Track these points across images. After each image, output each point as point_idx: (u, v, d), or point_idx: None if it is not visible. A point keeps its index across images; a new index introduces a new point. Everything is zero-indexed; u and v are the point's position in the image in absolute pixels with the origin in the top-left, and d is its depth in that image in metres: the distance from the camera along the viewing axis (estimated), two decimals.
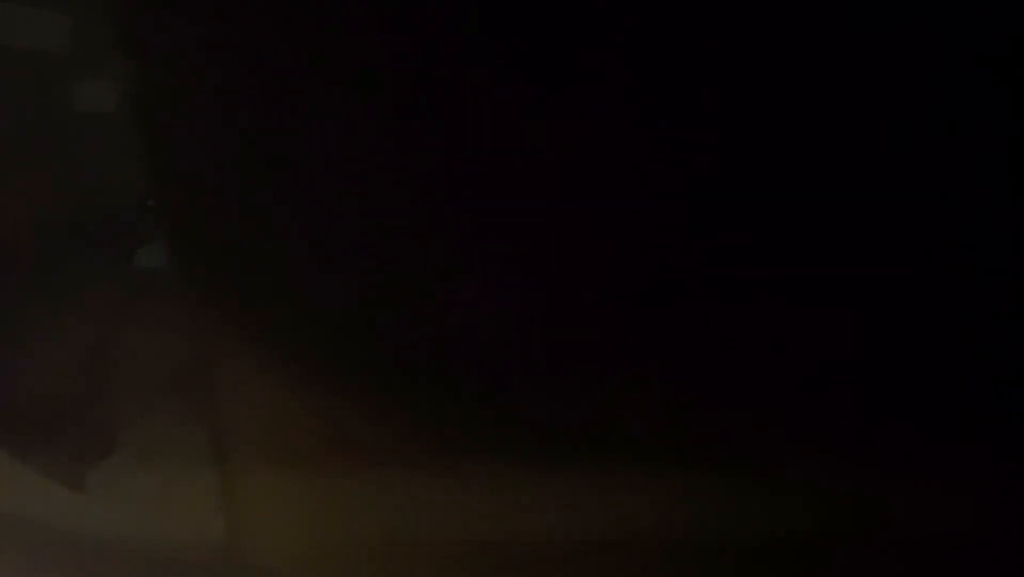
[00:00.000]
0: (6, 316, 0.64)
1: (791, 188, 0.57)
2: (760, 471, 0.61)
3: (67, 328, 0.64)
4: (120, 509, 0.65)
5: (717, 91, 0.56)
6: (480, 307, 0.60)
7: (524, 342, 0.60)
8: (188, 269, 0.62)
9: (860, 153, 0.56)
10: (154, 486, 0.64)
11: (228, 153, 0.59)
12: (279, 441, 0.63)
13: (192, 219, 0.62)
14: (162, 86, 0.59)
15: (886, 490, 0.60)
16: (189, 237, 0.62)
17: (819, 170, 0.57)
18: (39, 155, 0.62)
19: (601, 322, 0.60)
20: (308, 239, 0.60)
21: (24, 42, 0.60)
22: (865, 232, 0.57)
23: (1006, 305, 0.56)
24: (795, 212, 0.57)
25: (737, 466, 0.60)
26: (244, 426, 0.63)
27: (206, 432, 0.64)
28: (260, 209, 0.60)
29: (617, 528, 0.61)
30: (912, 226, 0.56)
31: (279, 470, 0.63)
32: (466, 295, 0.59)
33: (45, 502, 0.65)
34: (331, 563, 0.64)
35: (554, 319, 0.60)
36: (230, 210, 0.60)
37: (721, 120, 0.56)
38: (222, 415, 0.63)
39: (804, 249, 0.58)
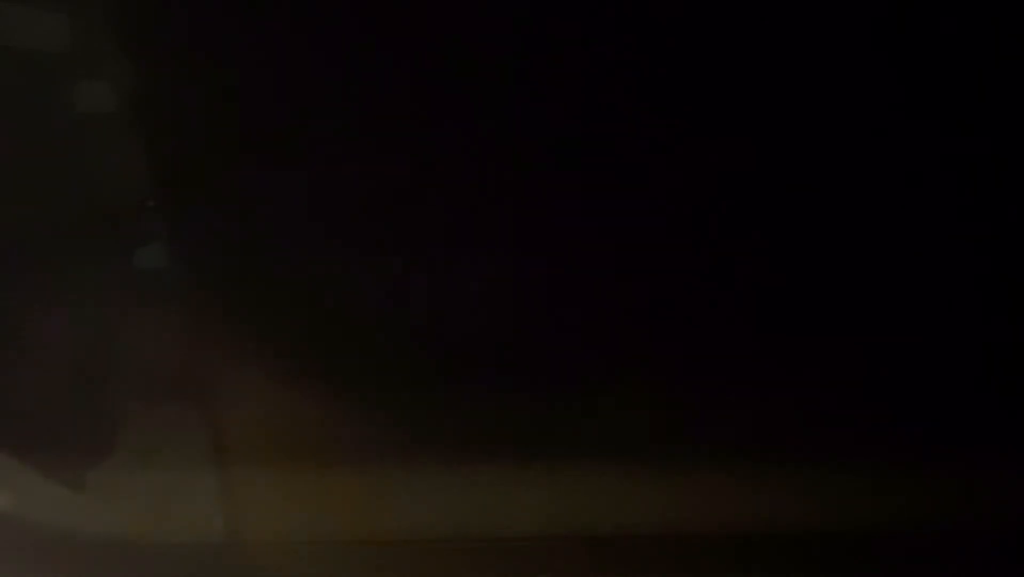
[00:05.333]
0: (6, 316, 0.64)
1: (794, 192, 0.57)
2: (762, 468, 0.60)
3: (67, 328, 0.64)
4: (120, 509, 0.65)
5: (723, 101, 0.56)
6: (480, 309, 0.59)
7: (524, 343, 0.60)
8: (188, 269, 0.62)
9: (868, 157, 0.56)
10: (154, 486, 0.64)
11: (228, 154, 0.59)
12: (279, 441, 0.63)
13: (192, 219, 0.61)
14: (162, 86, 0.59)
15: (891, 488, 0.60)
16: (189, 237, 0.62)
17: (824, 174, 0.57)
18: (39, 155, 0.62)
19: (605, 323, 0.60)
20: (309, 240, 0.60)
21: (24, 42, 0.60)
22: (873, 235, 0.56)
23: (1010, 308, 0.56)
24: (805, 216, 0.57)
25: (740, 463, 0.60)
26: (244, 426, 0.63)
27: (206, 432, 0.64)
28: (260, 210, 0.60)
29: (618, 524, 0.61)
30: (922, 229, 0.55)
31: (279, 470, 0.63)
32: (466, 297, 0.59)
33: (45, 502, 0.64)
34: (330, 561, 0.63)
35: (554, 320, 0.60)
36: (230, 210, 0.60)
37: (721, 125, 0.56)
38: (222, 415, 0.63)
39: (809, 252, 0.57)
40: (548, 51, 0.57)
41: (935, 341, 0.60)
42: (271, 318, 0.62)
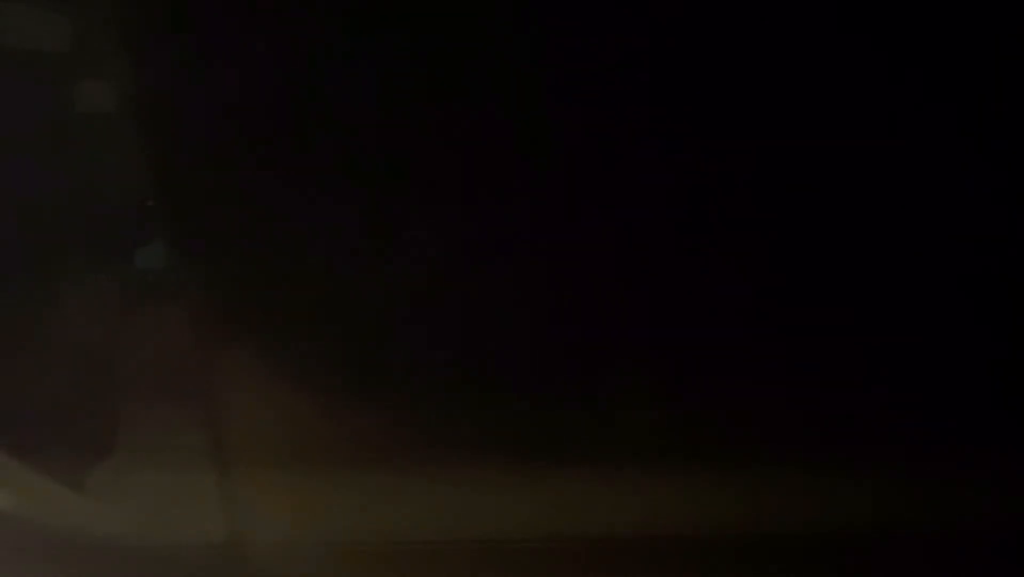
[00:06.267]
0: (6, 316, 0.64)
1: (799, 189, 0.57)
2: (761, 469, 0.60)
3: (67, 328, 0.64)
4: (120, 509, 0.65)
5: (727, 100, 0.56)
6: (479, 310, 0.59)
7: (523, 343, 0.60)
8: (188, 269, 0.62)
9: (878, 155, 0.56)
10: (154, 486, 0.64)
11: (228, 153, 0.59)
12: (279, 441, 0.63)
13: (192, 219, 0.61)
14: (162, 87, 0.59)
15: (891, 489, 0.60)
16: (189, 237, 0.62)
17: (825, 175, 0.57)
18: (39, 155, 0.62)
19: (604, 323, 0.60)
20: (309, 240, 0.60)
21: (24, 42, 0.60)
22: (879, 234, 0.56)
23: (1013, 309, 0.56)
24: (813, 212, 0.57)
25: (741, 464, 0.60)
26: (244, 426, 0.63)
27: (206, 432, 0.64)
28: (260, 210, 0.59)
29: (619, 527, 0.61)
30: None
31: (279, 470, 0.63)
32: (466, 297, 0.59)
33: (45, 502, 0.64)
34: (330, 562, 0.63)
35: (554, 320, 0.60)
36: (230, 210, 0.60)
37: (722, 125, 0.56)
38: (222, 415, 0.63)
39: (811, 251, 0.57)
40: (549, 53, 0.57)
41: (935, 342, 0.60)
42: (274, 319, 0.62)
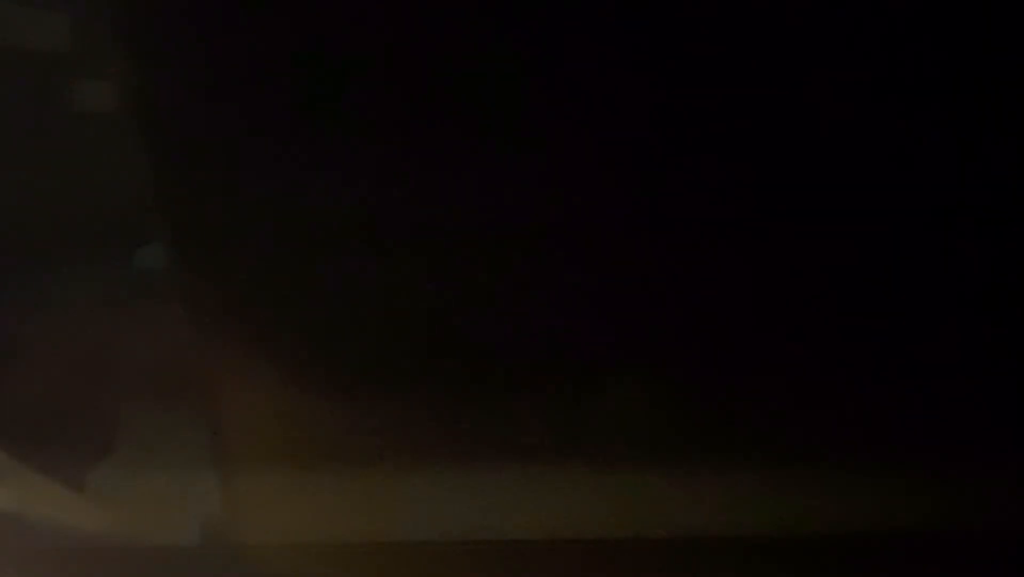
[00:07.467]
0: (5, 316, 0.64)
1: (805, 184, 0.57)
2: (764, 470, 0.60)
3: (66, 328, 0.64)
4: (120, 509, 0.65)
5: (726, 96, 0.56)
6: (479, 309, 0.59)
7: (524, 342, 0.60)
8: (188, 269, 0.62)
9: (885, 154, 0.56)
10: (154, 486, 0.64)
11: (228, 153, 0.59)
12: (279, 441, 0.63)
13: (192, 219, 0.61)
14: (162, 86, 0.59)
15: (891, 490, 0.60)
16: (189, 237, 0.62)
17: (840, 167, 0.57)
18: (38, 155, 0.62)
19: (607, 321, 0.60)
20: (308, 240, 0.60)
21: (24, 42, 0.60)
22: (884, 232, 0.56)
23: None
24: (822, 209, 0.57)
25: (745, 464, 0.60)
26: (244, 426, 0.63)
27: (206, 432, 0.64)
28: (260, 210, 0.60)
29: (618, 528, 0.61)
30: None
31: (278, 470, 0.63)
32: (465, 297, 0.59)
33: (45, 502, 0.65)
34: (330, 562, 0.63)
35: (554, 319, 0.60)
36: (230, 210, 0.60)
37: (722, 122, 0.56)
38: (222, 415, 0.63)
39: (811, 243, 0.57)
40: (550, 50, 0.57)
41: (936, 341, 0.60)
42: (273, 317, 0.62)
